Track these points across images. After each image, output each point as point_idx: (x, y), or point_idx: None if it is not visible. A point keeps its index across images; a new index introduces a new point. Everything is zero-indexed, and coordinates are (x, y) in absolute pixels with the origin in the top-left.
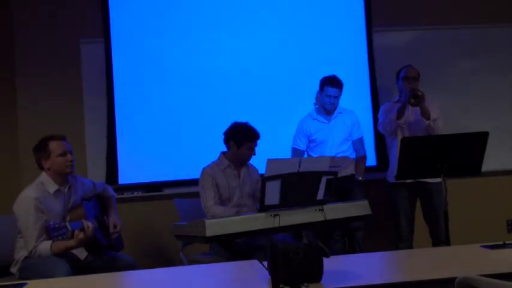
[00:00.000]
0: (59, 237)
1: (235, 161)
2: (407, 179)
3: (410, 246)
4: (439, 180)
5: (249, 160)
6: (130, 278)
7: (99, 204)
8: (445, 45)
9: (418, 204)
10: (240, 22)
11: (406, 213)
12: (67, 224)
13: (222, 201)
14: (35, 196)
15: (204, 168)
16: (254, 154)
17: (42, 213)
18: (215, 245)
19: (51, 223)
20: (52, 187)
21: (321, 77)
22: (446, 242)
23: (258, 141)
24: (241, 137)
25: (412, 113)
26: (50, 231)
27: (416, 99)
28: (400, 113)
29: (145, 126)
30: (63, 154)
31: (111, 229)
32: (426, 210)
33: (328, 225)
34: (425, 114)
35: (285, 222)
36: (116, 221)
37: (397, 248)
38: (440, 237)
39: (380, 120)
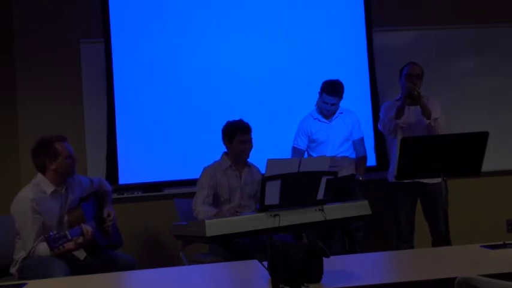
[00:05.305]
0: (60, 247)
1: (235, 159)
2: (408, 179)
3: (411, 247)
4: (437, 180)
5: (247, 155)
6: (130, 278)
7: (97, 202)
8: (444, 45)
9: (418, 204)
10: (240, 22)
11: (406, 213)
12: (67, 232)
13: (221, 202)
14: (32, 197)
15: (204, 168)
16: (248, 148)
17: (39, 215)
18: (215, 245)
19: (51, 234)
20: (49, 188)
21: (320, 77)
22: (447, 242)
23: (259, 142)
24: (230, 132)
25: (413, 113)
26: (50, 243)
27: (412, 99)
28: (399, 113)
29: (145, 126)
30: (71, 157)
31: (105, 214)
32: (426, 210)
33: (328, 225)
34: (425, 113)
35: (285, 222)
36: (109, 210)
37: (397, 249)
38: (440, 237)
39: (380, 118)
